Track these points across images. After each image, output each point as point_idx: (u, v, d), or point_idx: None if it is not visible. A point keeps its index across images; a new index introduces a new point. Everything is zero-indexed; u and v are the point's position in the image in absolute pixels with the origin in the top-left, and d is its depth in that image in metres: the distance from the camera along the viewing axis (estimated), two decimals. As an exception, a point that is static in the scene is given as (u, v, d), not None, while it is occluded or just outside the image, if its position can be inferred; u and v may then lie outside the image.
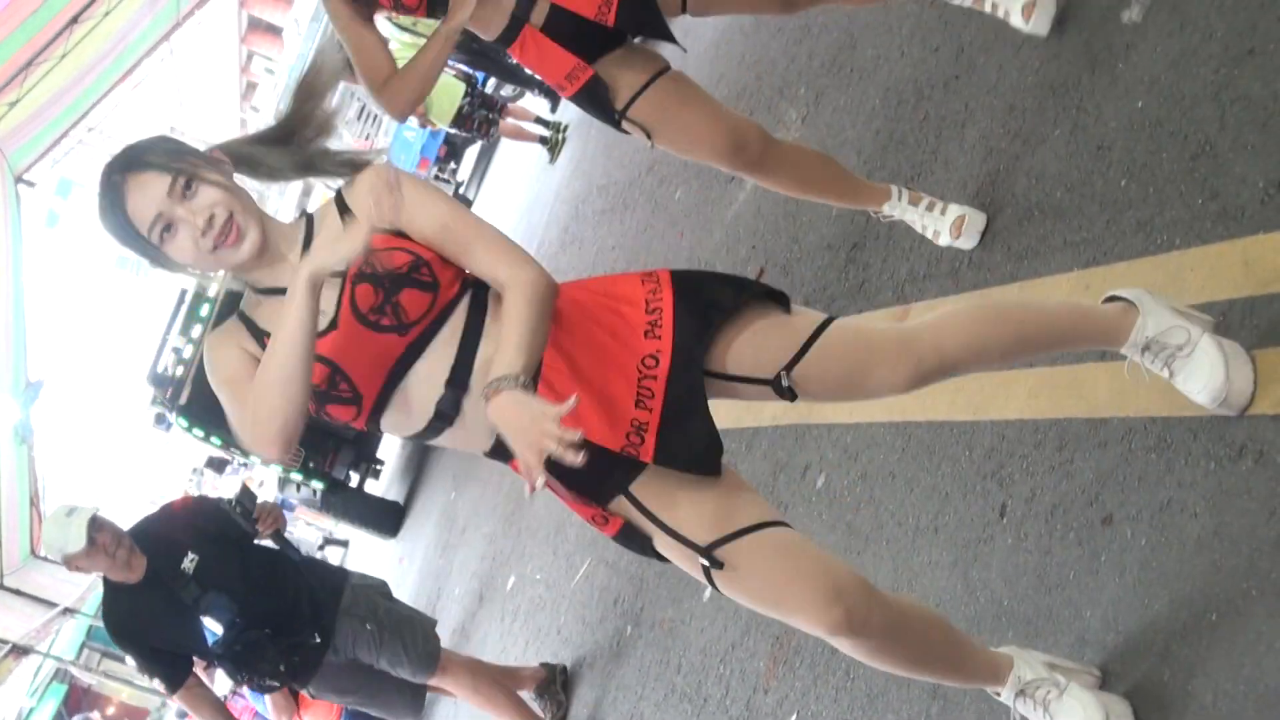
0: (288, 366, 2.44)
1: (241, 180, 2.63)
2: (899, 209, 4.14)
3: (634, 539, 2.69)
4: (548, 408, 2.27)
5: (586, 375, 2.59)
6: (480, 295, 2.62)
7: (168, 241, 2.53)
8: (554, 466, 2.51)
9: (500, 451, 2.62)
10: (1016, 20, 4.02)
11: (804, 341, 2.66)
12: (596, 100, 3.86)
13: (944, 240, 4.08)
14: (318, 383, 2.53)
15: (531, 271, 2.53)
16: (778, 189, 4.16)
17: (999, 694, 2.87)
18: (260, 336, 2.58)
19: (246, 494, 5.02)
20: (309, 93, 2.67)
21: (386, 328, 2.54)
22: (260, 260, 2.60)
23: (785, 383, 2.65)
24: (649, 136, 3.88)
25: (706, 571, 2.60)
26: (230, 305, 12.82)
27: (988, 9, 4.09)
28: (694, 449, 2.59)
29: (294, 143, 2.67)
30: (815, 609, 2.56)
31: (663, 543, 2.65)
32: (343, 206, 2.62)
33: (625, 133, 3.97)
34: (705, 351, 2.64)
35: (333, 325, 2.54)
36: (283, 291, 2.52)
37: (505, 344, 2.45)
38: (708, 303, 2.67)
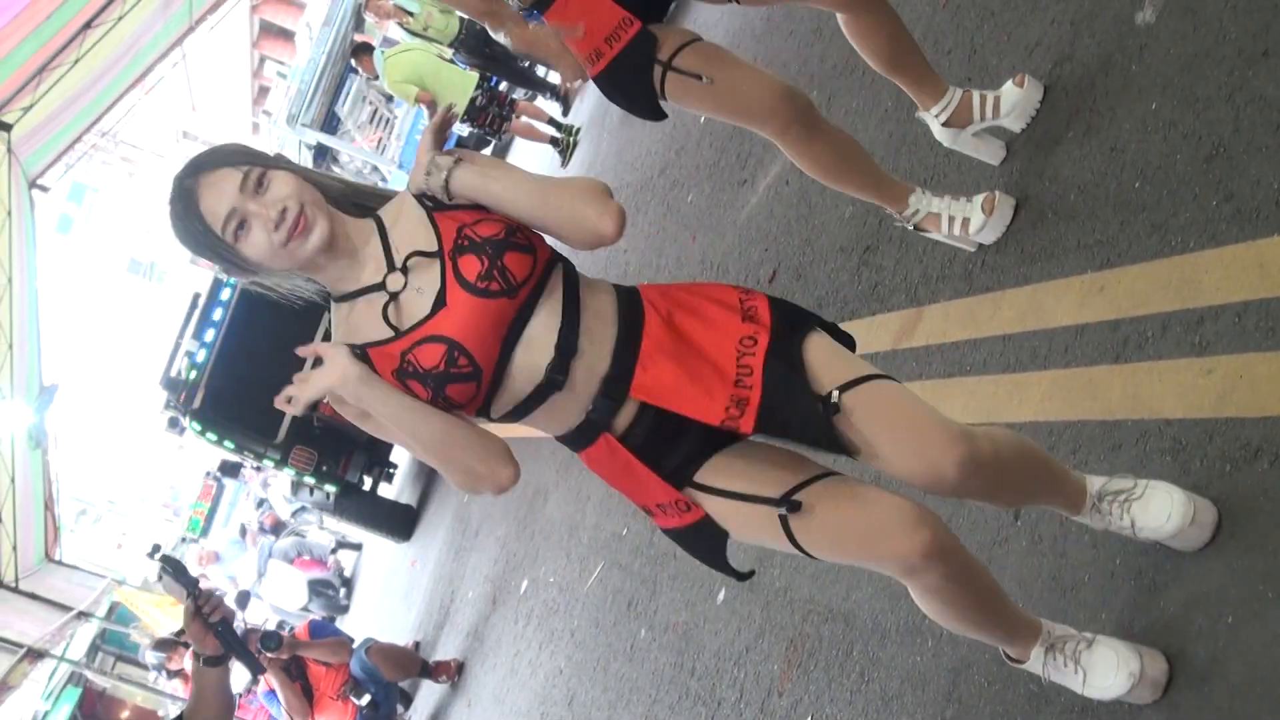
0: (428, 445, 2.58)
1: None
2: (924, 200, 4.06)
3: (704, 537, 2.68)
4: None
5: (685, 353, 2.60)
6: (569, 265, 2.66)
7: (241, 239, 2.55)
8: (641, 440, 2.61)
9: (579, 437, 2.68)
10: (975, 221, 4.05)
11: (867, 373, 2.64)
12: (638, 62, 3.71)
13: (976, 223, 4.00)
14: (435, 364, 2.54)
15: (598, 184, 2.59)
16: (814, 165, 3.99)
17: (1021, 662, 2.86)
18: (362, 352, 2.58)
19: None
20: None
21: (496, 293, 2.54)
22: (333, 254, 2.61)
23: (834, 398, 2.59)
24: (702, 78, 3.71)
25: (784, 525, 2.59)
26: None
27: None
28: (801, 417, 2.58)
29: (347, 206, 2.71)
30: (904, 533, 2.54)
31: (736, 522, 2.63)
32: (425, 199, 2.65)
33: (654, 114, 3.84)
34: (801, 342, 2.64)
35: (440, 303, 2.56)
36: (373, 289, 2.59)
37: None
38: (799, 312, 2.71)
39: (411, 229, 2.62)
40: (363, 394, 2.51)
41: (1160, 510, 2.75)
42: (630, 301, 2.68)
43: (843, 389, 2.58)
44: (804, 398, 2.58)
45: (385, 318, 2.58)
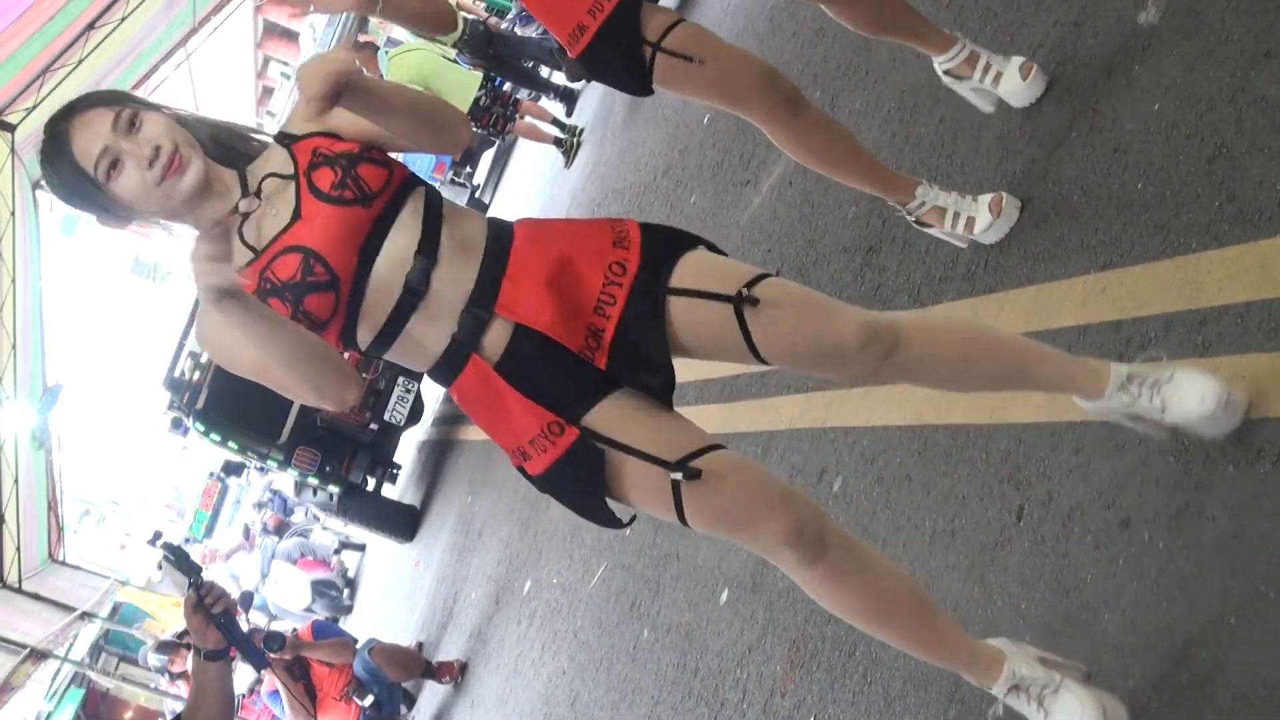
0: (283, 356, 2.50)
1: None
2: (931, 193, 4.02)
3: (574, 472, 2.64)
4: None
5: (553, 275, 2.62)
6: (433, 191, 2.70)
7: (114, 178, 2.56)
8: (515, 368, 2.59)
9: (446, 366, 2.66)
10: (1012, 81, 4.05)
11: (762, 271, 2.68)
12: (624, 33, 3.64)
13: (981, 224, 3.97)
14: (292, 274, 2.55)
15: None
16: (805, 152, 3.94)
17: (989, 688, 2.85)
18: None
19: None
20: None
21: (350, 200, 2.57)
22: (204, 197, 2.62)
23: (746, 292, 2.61)
24: (692, 59, 3.65)
25: (676, 492, 2.59)
26: None
27: (976, 76, 4.10)
28: (650, 366, 2.62)
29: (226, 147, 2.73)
30: (775, 516, 2.58)
31: (620, 471, 2.62)
32: (284, 139, 2.68)
33: (642, 89, 3.78)
34: (670, 269, 2.66)
35: (295, 216, 2.58)
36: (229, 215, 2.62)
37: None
38: (672, 234, 2.75)
39: (270, 161, 2.65)
40: (231, 304, 2.37)
41: (1194, 392, 2.73)
42: (500, 227, 2.72)
43: (750, 285, 2.62)
44: (658, 341, 2.61)
45: (242, 239, 2.60)
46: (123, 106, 2.58)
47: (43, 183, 12.85)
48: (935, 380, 2.95)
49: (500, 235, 2.69)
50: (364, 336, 2.67)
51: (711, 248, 2.79)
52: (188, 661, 11.19)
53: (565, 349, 2.60)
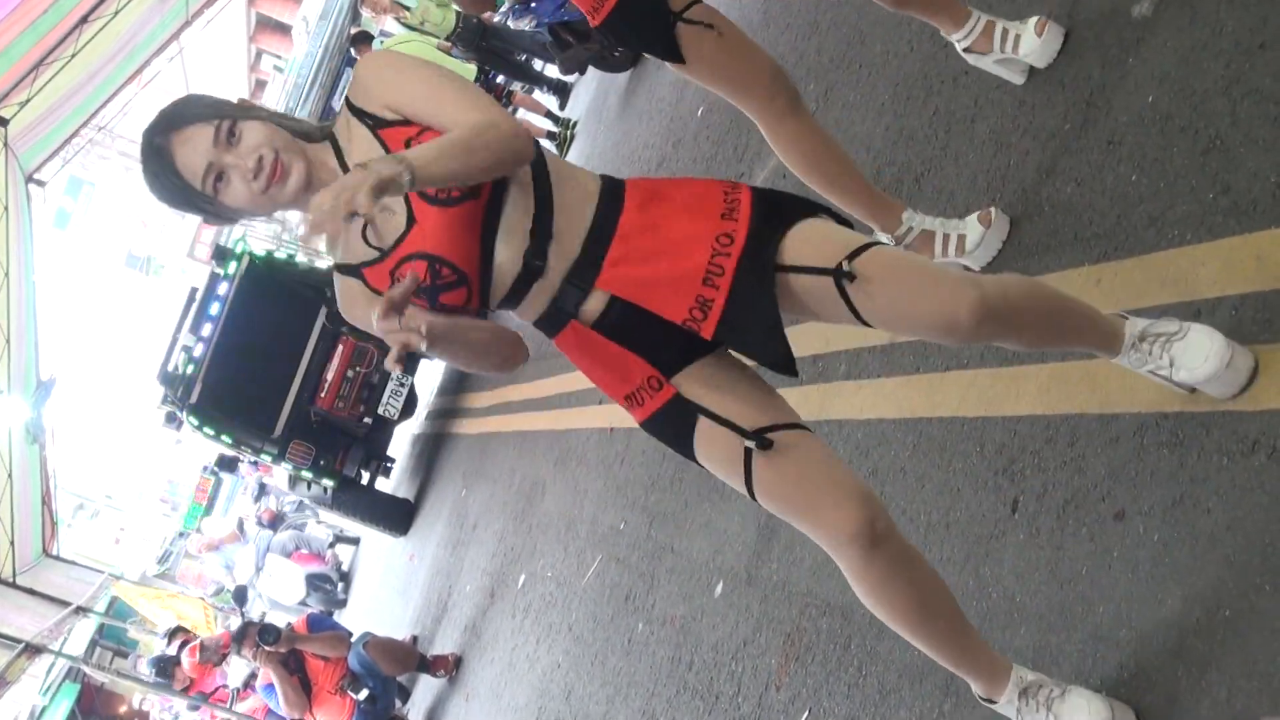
0: (472, 355, 2.65)
1: None
2: (916, 219, 3.99)
3: (671, 426, 2.70)
4: (367, 181, 2.23)
5: (660, 245, 2.62)
6: (537, 148, 2.66)
7: (222, 191, 2.59)
8: (614, 327, 2.63)
9: (548, 323, 2.71)
10: (1029, 42, 4.03)
11: (868, 242, 2.65)
12: (646, 3, 3.65)
13: (972, 239, 3.94)
14: (421, 280, 2.58)
15: (494, 117, 2.56)
16: (792, 151, 3.92)
17: (994, 702, 2.86)
18: (357, 272, 2.65)
19: None
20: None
21: (459, 198, 2.57)
22: (311, 192, 2.62)
23: (846, 267, 2.59)
24: (713, 27, 3.68)
25: (747, 460, 2.61)
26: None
27: (996, 42, 4.09)
28: (759, 336, 2.61)
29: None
30: (846, 509, 2.59)
31: (703, 435, 2.66)
32: (357, 112, 2.66)
33: (668, 53, 3.73)
34: (779, 240, 2.64)
35: (411, 221, 2.59)
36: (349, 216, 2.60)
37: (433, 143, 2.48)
38: (784, 203, 2.72)
39: (364, 151, 2.63)
40: (438, 343, 2.48)
41: (1199, 351, 2.75)
42: (612, 189, 2.70)
43: (850, 258, 2.60)
44: (768, 313, 2.61)
45: (366, 240, 2.63)
46: (221, 119, 2.58)
47: (37, 176, 12.80)
48: (1019, 342, 2.91)
49: (611, 196, 2.68)
50: (495, 300, 2.71)
51: (832, 214, 2.77)
52: (185, 678, 11.25)
53: (655, 314, 2.61)
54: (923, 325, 2.67)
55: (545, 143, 12.89)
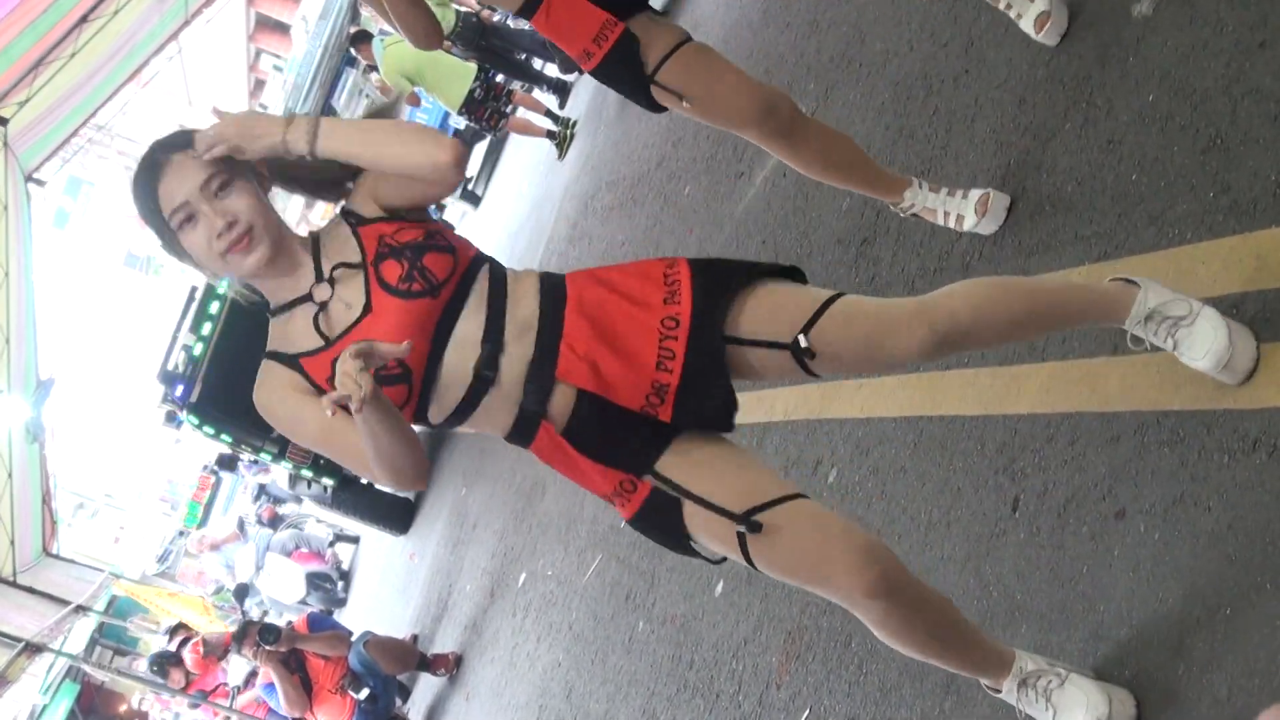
0: (384, 450, 2.52)
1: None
2: (920, 196, 4.07)
3: (656, 520, 2.70)
4: (357, 345, 2.31)
5: (608, 337, 2.64)
6: (497, 266, 2.72)
7: (185, 231, 2.60)
8: (579, 438, 2.62)
9: (520, 433, 2.70)
10: (1027, 26, 4.03)
11: (819, 306, 2.69)
12: (626, 63, 3.76)
13: (969, 223, 4.01)
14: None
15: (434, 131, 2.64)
16: (801, 165, 4.04)
17: (998, 691, 2.87)
18: (294, 362, 2.64)
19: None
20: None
21: (418, 293, 2.59)
22: (273, 270, 2.65)
23: (804, 344, 2.66)
24: (682, 99, 3.77)
25: (741, 542, 2.62)
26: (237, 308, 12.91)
27: (1001, 6, 4.09)
28: (713, 405, 2.65)
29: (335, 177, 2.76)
30: (853, 571, 2.58)
31: (694, 517, 2.66)
32: (344, 212, 2.71)
33: (651, 107, 3.88)
34: (724, 316, 2.67)
35: (366, 310, 2.61)
36: (302, 300, 2.65)
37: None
38: (724, 273, 2.73)
39: (339, 244, 2.68)
40: (372, 409, 2.41)
41: (1202, 344, 2.76)
42: (553, 286, 2.72)
43: (805, 329, 2.66)
44: (720, 387, 2.65)
45: (316, 327, 2.64)
46: (219, 171, 2.58)
47: (36, 176, 12.80)
48: (986, 346, 3.00)
49: (554, 298, 2.69)
50: (435, 416, 2.72)
51: (772, 272, 2.79)
52: (183, 678, 11.23)
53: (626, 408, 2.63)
54: (873, 365, 2.83)
55: (545, 142, 12.93)
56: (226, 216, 2.57)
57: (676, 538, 2.71)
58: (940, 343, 2.71)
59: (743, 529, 2.60)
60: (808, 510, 2.64)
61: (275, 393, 2.67)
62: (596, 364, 2.62)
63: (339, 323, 2.63)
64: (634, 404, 2.61)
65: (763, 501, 2.62)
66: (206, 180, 2.56)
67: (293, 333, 2.66)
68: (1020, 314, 2.81)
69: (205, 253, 2.60)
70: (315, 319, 2.64)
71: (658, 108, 3.89)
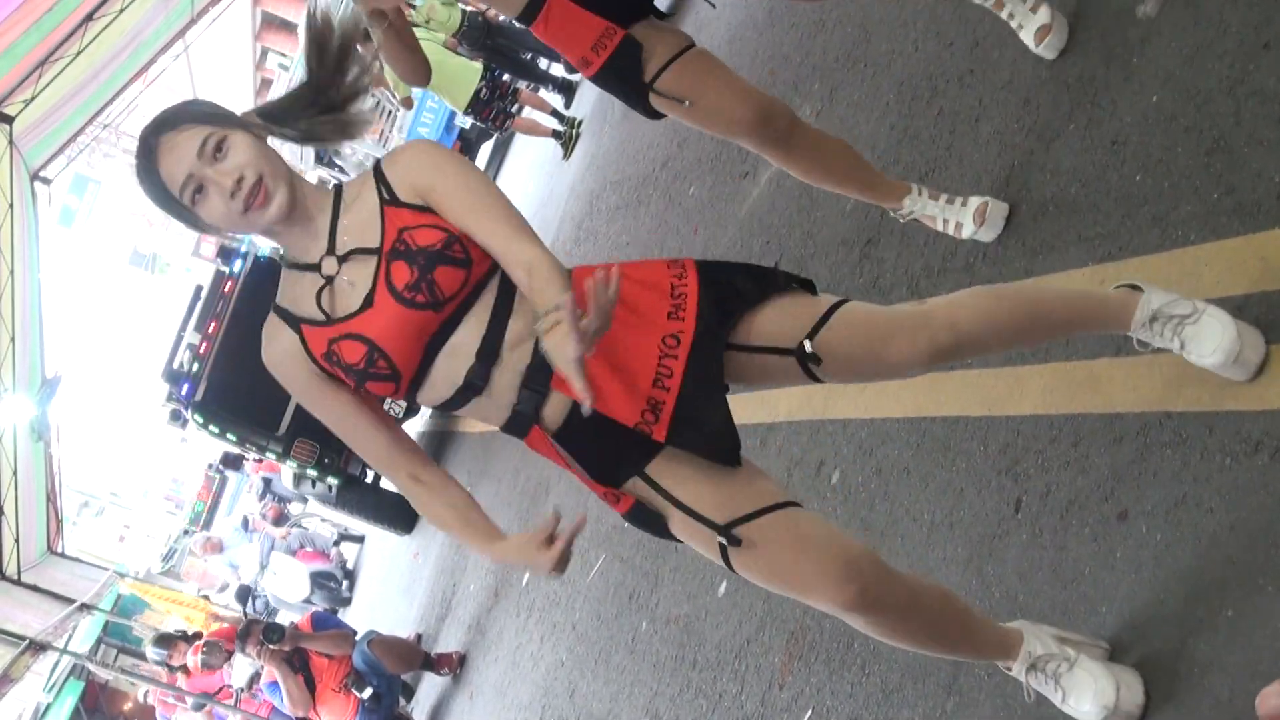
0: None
1: (276, 144, 2.68)
2: (919, 204, 4.08)
3: (645, 518, 2.72)
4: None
5: (607, 347, 2.59)
6: (508, 280, 2.66)
7: (199, 203, 2.57)
8: (570, 445, 2.63)
9: (514, 426, 2.70)
10: (1028, 38, 4.03)
11: (823, 313, 2.69)
12: (625, 70, 3.77)
13: (967, 231, 4.04)
14: (355, 361, 2.59)
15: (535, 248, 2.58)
16: (799, 173, 4.06)
17: (1010, 669, 2.88)
18: (296, 324, 2.64)
19: None
20: (321, 47, 2.69)
21: (422, 304, 2.57)
22: (290, 222, 2.63)
23: (809, 349, 2.65)
24: (682, 103, 3.78)
25: (723, 551, 2.62)
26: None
27: (1003, 15, 4.08)
28: (709, 435, 2.62)
29: (325, 103, 2.70)
30: (831, 587, 2.59)
31: (678, 523, 2.67)
32: (380, 178, 2.65)
33: (649, 114, 3.90)
34: (727, 335, 2.66)
35: (368, 303, 2.59)
36: (312, 268, 2.63)
37: (539, 278, 2.49)
38: (733, 292, 2.70)
39: (362, 220, 2.63)
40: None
41: (1210, 341, 2.76)
42: None
43: (810, 336, 2.66)
44: (719, 411, 2.63)
45: (318, 302, 2.63)
46: (211, 129, 2.55)
47: (42, 174, 12.83)
48: (988, 353, 3.02)
49: None
50: (424, 403, 2.75)
51: (784, 287, 2.77)
52: (185, 655, 11.23)
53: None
54: (876, 373, 2.86)
55: (551, 141, 12.93)
56: (233, 174, 2.53)
57: (667, 535, 2.73)
58: (942, 351, 2.71)
59: (722, 540, 2.60)
60: (790, 522, 2.63)
61: (284, 365, 2.69)
62: (592, 377, 2.60)
63: (340, 305, 2.61)
64: (629, 419, 2.59)
65: (745, 513, 2.61)
66: (201, 146, 2.53)
67: (300, 296, 2.65)
68: (1022, 323, 2.81)
69: (226, 217, 2.57)
70: (319, 293, 2.62)
71: (655, 115, 3.91)
